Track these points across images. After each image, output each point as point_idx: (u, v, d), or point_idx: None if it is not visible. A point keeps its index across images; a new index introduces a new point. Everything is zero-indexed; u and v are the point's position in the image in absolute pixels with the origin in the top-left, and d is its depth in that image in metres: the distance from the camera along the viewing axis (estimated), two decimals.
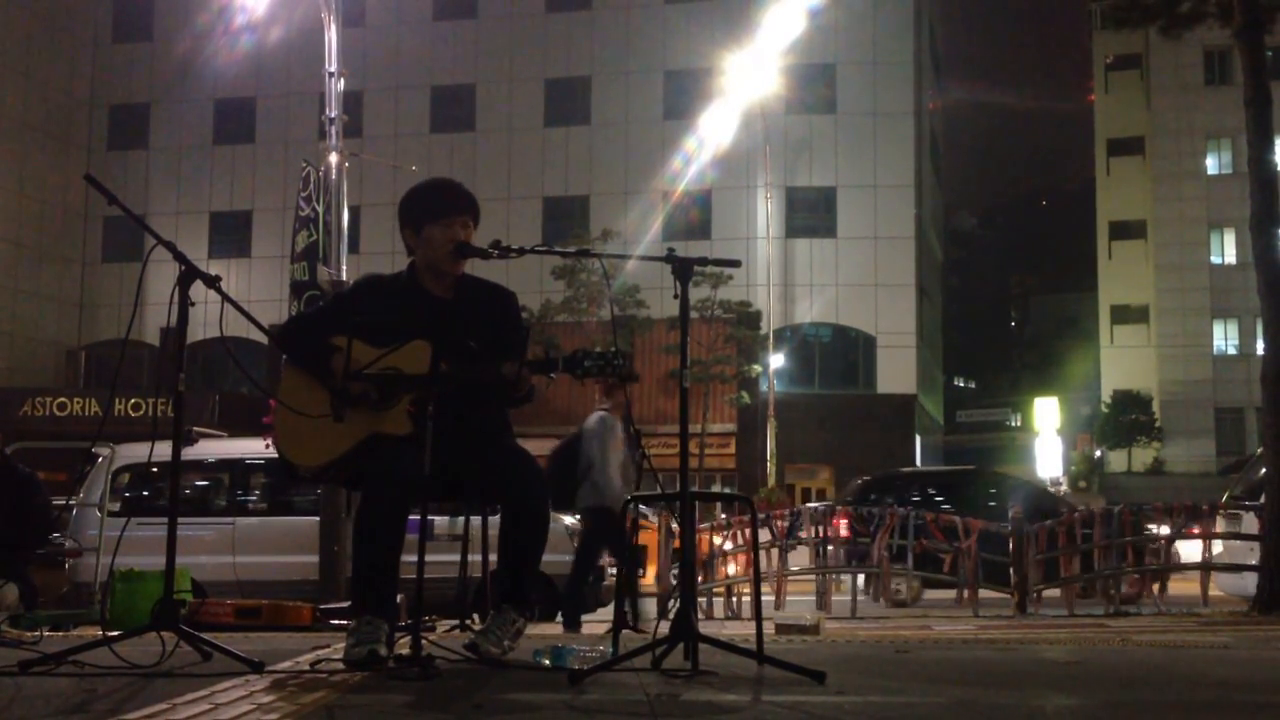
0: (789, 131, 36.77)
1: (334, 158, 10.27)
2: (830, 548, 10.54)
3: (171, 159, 40.94)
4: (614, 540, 8.39)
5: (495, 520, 4.30)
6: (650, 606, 9.99)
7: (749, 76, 32.90)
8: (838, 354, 38.41)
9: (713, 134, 35.77)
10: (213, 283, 3.98)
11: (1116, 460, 44.90)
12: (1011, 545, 10.24)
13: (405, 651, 3.81)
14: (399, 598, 4.62)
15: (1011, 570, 10.30)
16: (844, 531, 10.93)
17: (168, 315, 3.90)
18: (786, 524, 10.70)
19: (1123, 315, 46.42)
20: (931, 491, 15.45)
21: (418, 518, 3.85)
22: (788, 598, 10.51)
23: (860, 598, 10.79)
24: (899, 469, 23.68)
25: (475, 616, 5.57)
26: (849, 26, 37.35)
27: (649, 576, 11.57)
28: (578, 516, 9.05)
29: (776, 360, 33.99)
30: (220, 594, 8.87)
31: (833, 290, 37.26)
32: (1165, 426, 42.43)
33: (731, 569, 10.61)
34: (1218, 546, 10.37)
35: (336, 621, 7.47)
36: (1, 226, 38.13)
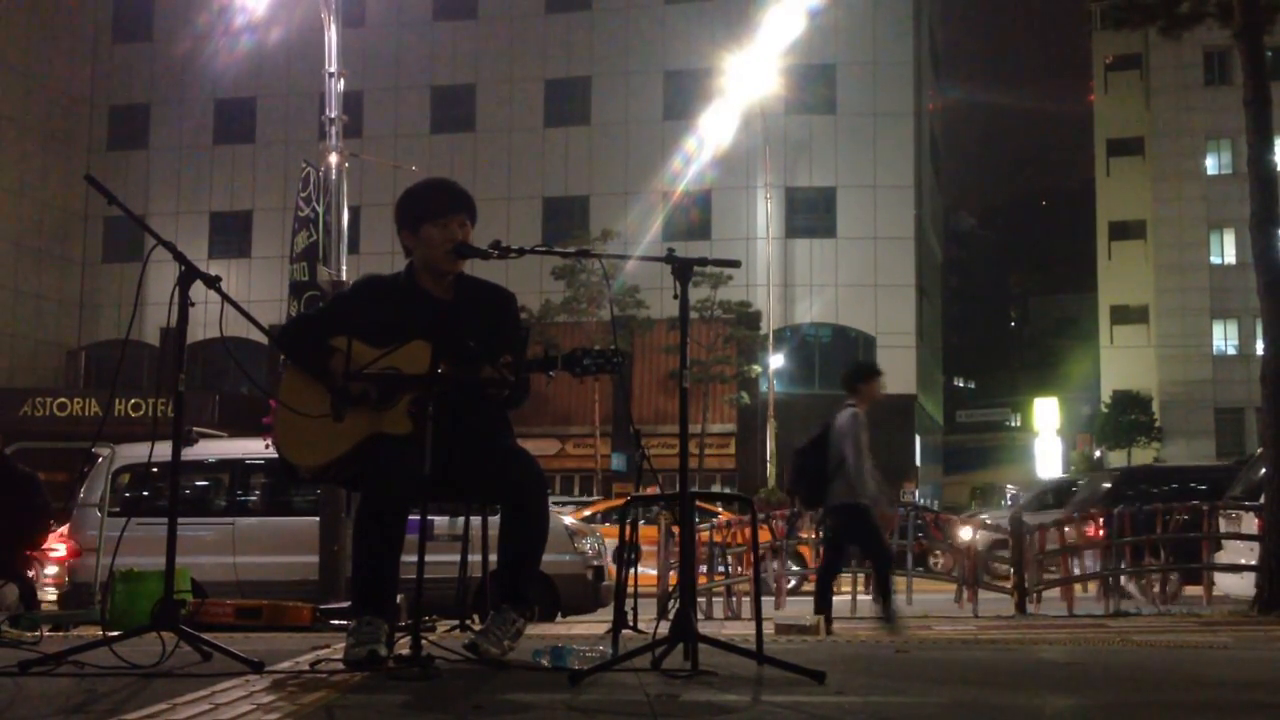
0: (789, 132, 36.76)
1: (334, 158, 10.26)
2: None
3: (171, 159, 40.93)
4: (865, 539, 8.11)
5: (495, 520, 4.30)
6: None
7: (749, 77, 32.90)
8: (837, 354, 38.34)
9: (713, 134, 35.77)
10: (213, 283, 3.98)
11: (1116, 460, 44.82)
12: (1011, 545, 10.24)
13: (405, 651, 3.81)
14: (399, 598, 4.62)
15: (1011, 570, 10.31)
16: (1097, 532, 10.68)
17: (168, 315, 3.90)
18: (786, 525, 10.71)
19: (1122, 315, 46.40)
20: (1192, 485, 14.83)
21: (418, 518, 3.85)
22: (787, 598, 10.52)
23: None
24: (1153, 464, 23.15)
25: (475, 616, 5.57)
26: (849, 26, 37.34)
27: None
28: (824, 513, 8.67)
29: (776, 360, 34.00)
30: (220, 594, 8.87)
31: (832, 290, 37.25)
32: (1165, 427, 42.42)
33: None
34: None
35: (336, 621, 7.47)
36: (1, 226, 38.12)
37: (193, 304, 4.02)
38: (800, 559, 12.13)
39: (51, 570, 10.52)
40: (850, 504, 7.91)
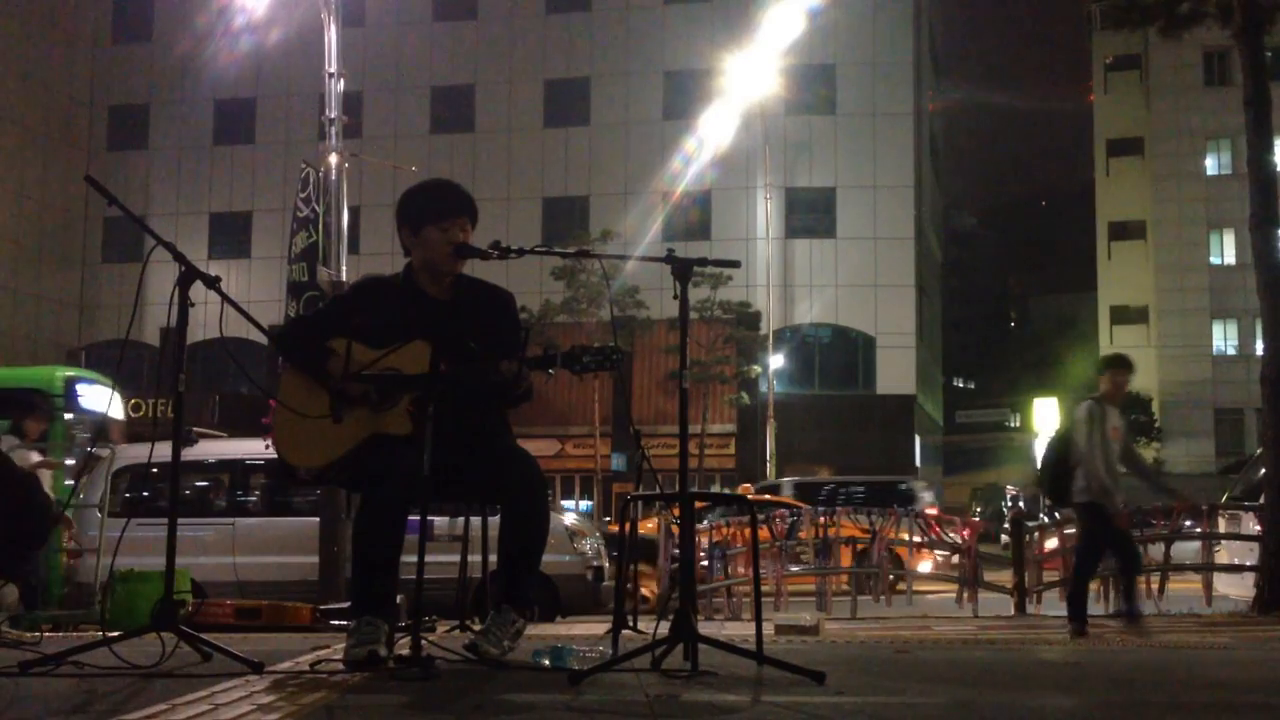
0: (789, 132, 36.76)
1: (334, 158, 10.28)
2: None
3: (171, 159, 40.93)
4: (1112, 538, 7.65)
5: (495, 520, 4.30)
6: None
7: (749, 77, 32.87)
8: (837, 354, 38.39)
9: (712, 134, 35.74)
10: (212, 283, 3.98)
11: None
12: (1011, 545, 10.24)
13: (405, 652, 3.81)
14: (399, 598, 4.62)
15: (1012, 570, 10.31)
16: None
17: (168, 316, 3.90)
18: (787, 525, 10.71)
19: (1122, 316, 46.39)
20: None
21: (418, 518, 3.84)
22: (788, 599, 10.52)
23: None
24: None
25: (475, 617, 5.57)
26: (849, 27, 37.33)
27: None
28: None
29: (776, 361, 34.00)
30: (220, 594, 8.88)
31: (832, 291, 37.25)
32: (1165, 427, 42.40)
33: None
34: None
35: (336, 622, 7.48)
36: (1, 226, 38.11)
37: (192, 304, 4.02)
38: (897, 560, 11.80)
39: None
40: (1087, 502, 7.52)
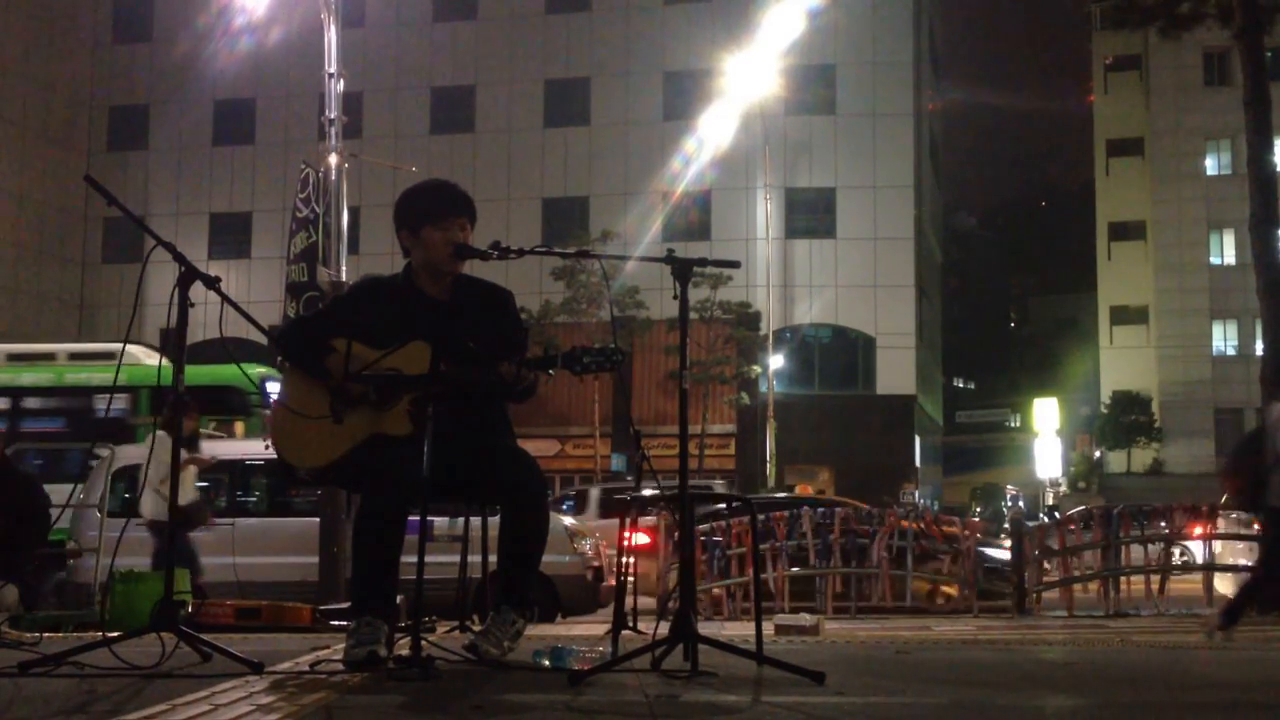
0: (788, 132, 36.77)
1: (334, 159, 10.28)
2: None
3: (171, 160, 40.94)
4: None
5: (495, 520, 4.30)
6: None
7: (748, 77, 32.88)
8: (837, 355, 38.41)
9: (712, 135, 35.77)
10: (212, 284, 3.98)
11: (1116, 461, 44.88)
12: (1011, 545, 10.24)
13: (405, 652, 3.81)
14: (399, 599, 4.62)
15: (1011, 570, 10.31)
16: None
17: (168, 316, 3.90)
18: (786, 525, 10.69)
19: (1122, 316, 46.41)
20: None
21: (418, 518, 3.84)
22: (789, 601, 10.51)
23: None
24: None
25: (475, 617, 5.57)
26: (849, 27, 37.35)
27: None
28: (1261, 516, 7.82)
29: (776, 361, 34.01)
30: (220, 595, 8.87)
31: (832, 291, 37.27)
32: (1165, 427, 42.43)
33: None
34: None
35: (336, 622, 7.47)
36: (1, 227, 38.11)
37: (192, 305, 4.02)
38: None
39: None
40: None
